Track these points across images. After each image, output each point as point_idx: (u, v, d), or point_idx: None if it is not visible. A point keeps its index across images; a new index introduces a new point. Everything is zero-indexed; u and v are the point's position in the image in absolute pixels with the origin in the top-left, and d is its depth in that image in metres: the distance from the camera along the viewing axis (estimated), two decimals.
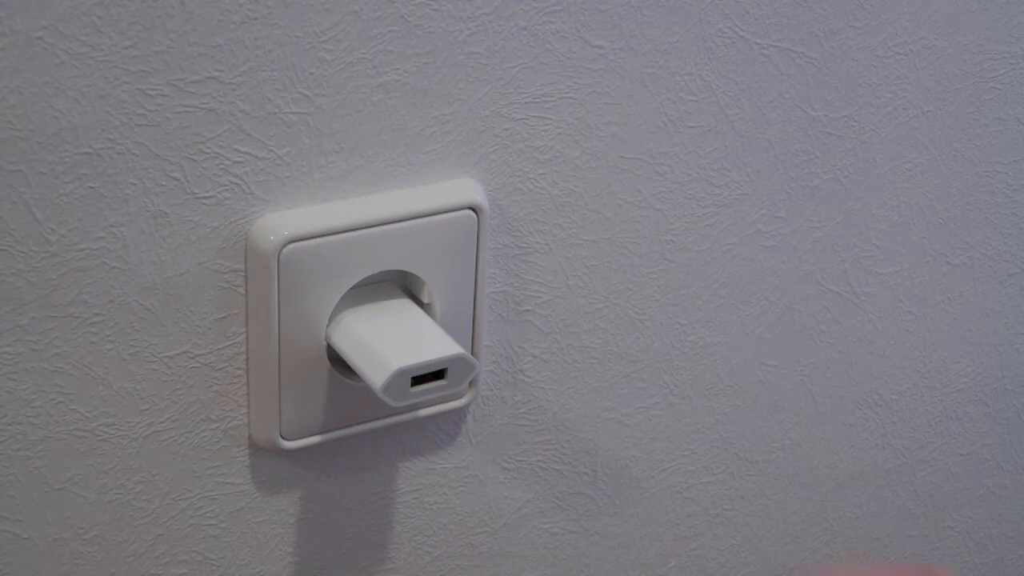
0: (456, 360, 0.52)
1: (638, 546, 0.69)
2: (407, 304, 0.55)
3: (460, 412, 0.61)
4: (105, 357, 0.52)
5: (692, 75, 0.58)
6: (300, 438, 0.56)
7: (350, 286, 0.54)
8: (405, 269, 0.55)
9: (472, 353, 0.58)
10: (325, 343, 0.54)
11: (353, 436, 0.58)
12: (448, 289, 0.56)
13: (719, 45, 0.58)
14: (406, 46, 0.51)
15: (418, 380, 0.52)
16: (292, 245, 0.51)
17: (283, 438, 0.56)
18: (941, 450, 0.77)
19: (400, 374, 0.51)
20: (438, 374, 0.52)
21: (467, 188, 0.55)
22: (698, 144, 0.60)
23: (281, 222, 0.51)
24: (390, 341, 0.52)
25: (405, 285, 0.56)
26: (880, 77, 0.63)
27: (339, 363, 0.55)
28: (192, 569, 0.58)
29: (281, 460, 0.57)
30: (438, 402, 0.58)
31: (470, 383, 0.59)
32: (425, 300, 0.56)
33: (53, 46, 0.45)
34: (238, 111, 0.49)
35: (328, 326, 0.54)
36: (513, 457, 0.63)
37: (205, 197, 0.50)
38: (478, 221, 0.55)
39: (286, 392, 0.54)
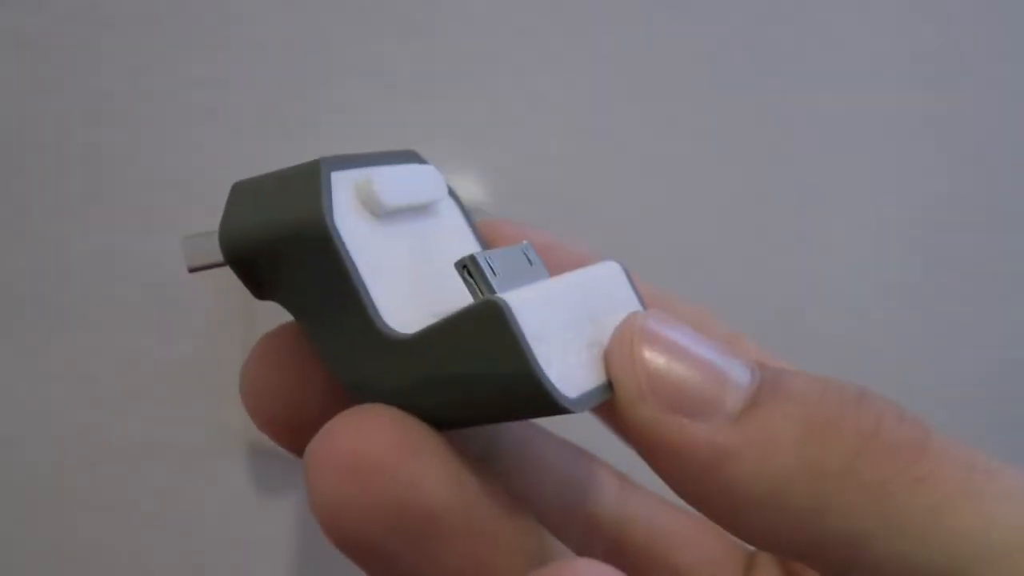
0: None
1: None
2: None
3: None
4: (105, 357, 0.52)
5: (692, 75, 0.58)
6: None
7: None
8: None
9: None
10: None
11: None
12: None
13: (719, 45, 0.58)
14: (406, 46, 0.52)
15: None
16: None
17: None
18: None
19: None
20: None
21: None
22: (699, 145, 0.60)
23: None
24: None
25: None
26: (881, 77, 0.63)
27: None
28: (192, 571, 0.58)
29: (280, 461, 0.57)
30: None
31: None
32: None
33: (51, 45, 0.45)
34: (238, 111, 0.49)
35: None
36: None
37: (205, 196, 0.50)
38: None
39: None
